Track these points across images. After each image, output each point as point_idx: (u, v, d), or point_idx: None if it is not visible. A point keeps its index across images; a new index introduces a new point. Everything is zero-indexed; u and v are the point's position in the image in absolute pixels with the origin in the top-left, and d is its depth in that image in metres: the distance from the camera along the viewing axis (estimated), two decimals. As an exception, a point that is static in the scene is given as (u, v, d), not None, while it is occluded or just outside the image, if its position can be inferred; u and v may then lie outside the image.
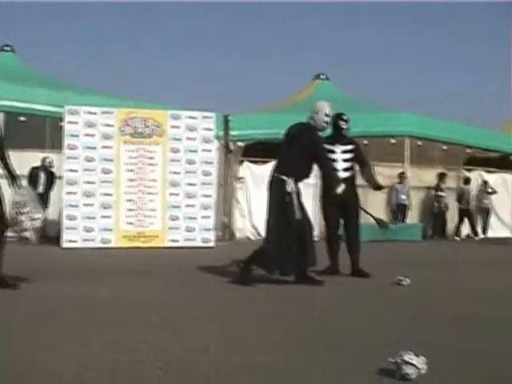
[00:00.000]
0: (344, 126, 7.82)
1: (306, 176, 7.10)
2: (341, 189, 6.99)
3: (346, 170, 7.68)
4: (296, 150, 6.87)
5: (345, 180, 7.42)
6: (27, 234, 6.80)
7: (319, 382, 3.20)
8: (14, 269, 7.32)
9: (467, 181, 17.53)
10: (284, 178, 6.80)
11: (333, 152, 7.65)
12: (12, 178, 6.56)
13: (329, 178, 7.25)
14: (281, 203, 6.77)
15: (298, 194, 6.88)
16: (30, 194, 6.92)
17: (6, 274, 6.48)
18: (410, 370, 3.20)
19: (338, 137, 7.81)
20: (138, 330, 4.28)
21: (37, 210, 6.75)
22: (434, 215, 17.27)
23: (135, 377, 3.17)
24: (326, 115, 7.06)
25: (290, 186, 6.78)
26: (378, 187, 8.20)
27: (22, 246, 11.13)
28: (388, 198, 16.76)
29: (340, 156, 7.69)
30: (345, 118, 7.85)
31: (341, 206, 7.59)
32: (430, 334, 4.38)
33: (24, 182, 6.90)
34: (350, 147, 7.76)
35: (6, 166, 6.53)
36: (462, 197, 17.36)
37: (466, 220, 17.48)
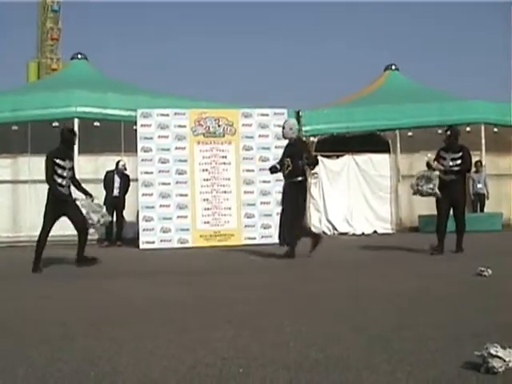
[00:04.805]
0: (447, 141, 9.57)
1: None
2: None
3: (453, 172, 9.37)
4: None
5: (453, 180, 9.30)
6: None
7: (400, 373, 3.07)
8: (93, 269, 7.46)
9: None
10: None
11: (444, 159, 9.47)
12: (86, 194, 8.72)
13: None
14: None
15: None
16: (88, 205, 8.64)
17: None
18: (496, 364, 3.03)
19: (449, 146, 9.56)
20: (217, 328, 4.23)
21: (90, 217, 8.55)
22: None
23: (216, 375, 3.12)
24: (291, 129, 9.79)
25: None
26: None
27: (100, 248, 11.39)
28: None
29: (449, 163, 9.39)
30: (448, 133, 9.60)
31: (451, 200, 9.33)
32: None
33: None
34: (458, 155, 9.42)
35: (79, 187, 8.75)
36: None
37: None
